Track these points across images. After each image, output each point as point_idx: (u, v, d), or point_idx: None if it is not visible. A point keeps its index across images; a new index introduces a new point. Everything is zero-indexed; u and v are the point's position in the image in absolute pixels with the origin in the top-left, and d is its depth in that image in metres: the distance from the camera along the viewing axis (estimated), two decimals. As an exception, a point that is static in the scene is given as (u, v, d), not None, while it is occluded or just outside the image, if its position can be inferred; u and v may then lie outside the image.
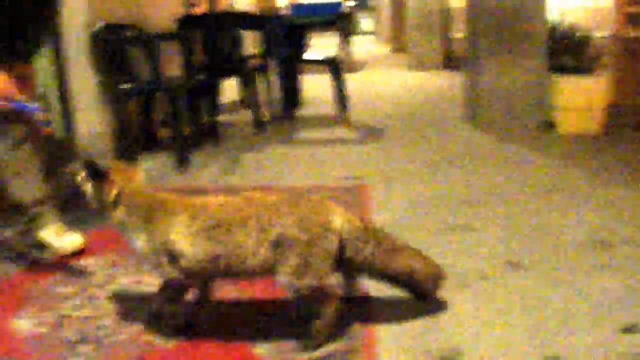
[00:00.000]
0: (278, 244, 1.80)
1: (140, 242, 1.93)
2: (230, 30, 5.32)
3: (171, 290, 1.99)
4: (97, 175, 1.94)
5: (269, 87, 5.52)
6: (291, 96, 5.48)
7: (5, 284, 2.52)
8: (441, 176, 3.60)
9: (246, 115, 5.76)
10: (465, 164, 3.82)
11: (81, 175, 2.00)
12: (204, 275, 1.96)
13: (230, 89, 6.09)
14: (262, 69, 5.31)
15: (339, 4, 11.19)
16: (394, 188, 3.40)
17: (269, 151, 4.46)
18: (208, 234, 1.83)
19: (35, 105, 2.47)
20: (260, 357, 1.83)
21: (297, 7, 10.67)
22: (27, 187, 2.81)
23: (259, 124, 4.99)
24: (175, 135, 4.19)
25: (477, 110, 4.69)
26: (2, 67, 2.54)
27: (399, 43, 11.86)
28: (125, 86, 4.27)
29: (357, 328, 1.95)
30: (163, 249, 1.88)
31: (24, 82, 2.70)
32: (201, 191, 3.50)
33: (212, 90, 4.77)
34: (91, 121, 4.41)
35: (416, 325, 1.96)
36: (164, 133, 4.71)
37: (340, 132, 4.99)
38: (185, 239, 1.84)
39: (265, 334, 1.93)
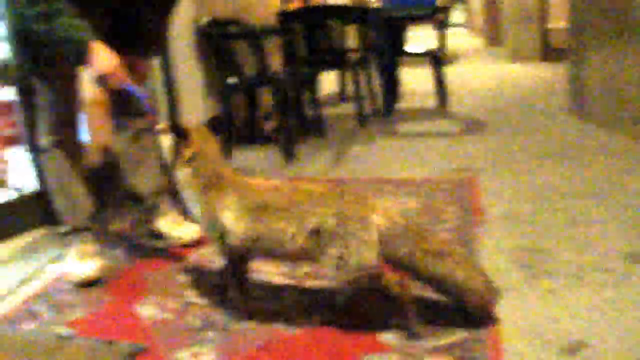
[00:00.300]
0: (316, 234, 1.85)
1: (196, 210, 2.09)
2: (330, 24, 5.36)
3: (230, 265, 2.13)
4: (180, 133, 2.09)
5: (370, 80, 5.53)
6: (391, 89, 5.47)
7: (127, 272, 2.61)
8: (552, 168, 3.50)
9: (346, 108, 5.80)
10: (575, 156, 3.70)
11: (165, 131, 2.16)
12: (248, 252, 2.05)
13: (327, 81, 6.15)
14: (363, 62, 5.32)
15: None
16: (503, 180, 3.34)
17: (373, 144, 4.47)
18: (253, 215, 1.93)
19: (145, 92, 2.56)
20: (388, 345, 1.84)
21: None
22: (146, 177, 2.92)
23: (361, 117, 5.00)
24: (282, 128, 4.25)
25: (583, 102, 4.56)
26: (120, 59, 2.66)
27: (492, 35, 11.66)
28: (231, 80, 4.36)
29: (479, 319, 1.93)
30: (213, 222, 2.02)
31: (140, 77, 2.81)
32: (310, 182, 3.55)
33: (313, 84, 4.81)
34: (197, 114, 4.54)
35: (537, 317, 1.94)
36: (267, 126, 4.79)
37: (442, 124, 4.94)
38: (232, 216, 1.96)
39: (385, 321, 1.95)
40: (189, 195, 2.10)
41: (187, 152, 2.07)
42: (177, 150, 2.10)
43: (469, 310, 1.92)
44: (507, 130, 4.51)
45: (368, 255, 1.81)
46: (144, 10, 2.61)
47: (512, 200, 3.02)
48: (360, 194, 1.93)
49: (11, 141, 3.77)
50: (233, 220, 1.95)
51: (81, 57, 2.26)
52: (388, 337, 1.87)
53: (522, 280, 2.20)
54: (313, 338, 1.93)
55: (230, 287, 2.17)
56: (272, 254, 1.99)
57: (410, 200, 3.11)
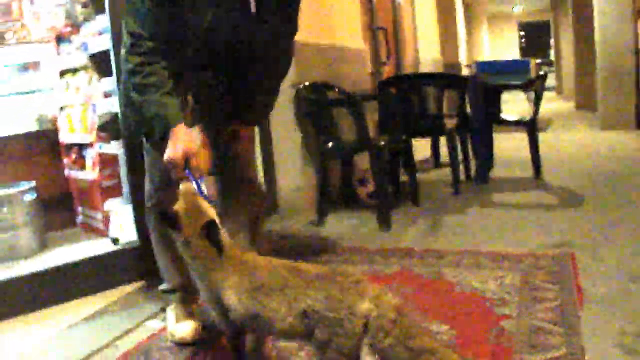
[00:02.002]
0: (305, 316, 1.84)
1: (202, 287, 2.12)
2: (428, 91, 5.40)
3: (231, 337, 2.14)
4: (170, 219, 2.10)
5: (464, 146, 5.53)
6: (486, 156, 5.44)
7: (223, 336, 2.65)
8: None
9: (439, 174, 5.79)
10: None
11: (177, 204, 2.11)
12: (247, 327, 2.07)
13: (420, 146, 6.16)
14: (458, 129, 5.32)
15: (527, 62, 10.99)
16: (604, 257, 3.21)
17: (467, 213, 4.41)
18: (251, 294, 1.95)
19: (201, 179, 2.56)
20: None
21: (484, 64, 10.60)
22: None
23: (456, 185, 4.98)
24: (379, 195, 4.25)
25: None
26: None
27: (583, 99, 11.45)
28: (329, 145, 4.42)
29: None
30: (215, 299, 2.05)
31: (245, 143, 2.83)
32: (407, 254, 3.55)
33: (408, 150, 4.83)
34: (292, 177, 4.62)
35: None
36: (362, 192, 4.83)
37: (538, 195, 4.84)
38: (233, 296, 1.99)
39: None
40: (196, 273, 2.13)
41: (181, 237, 2.09)
42: (190, 224, 2.08)
43: None
44: (603, 203, 4.37)
45: (348, 345, 1.79)
46: (255, 81, 2.67)
47: (614, 280, 2.89)
48: (354, 277, 1.88)
49: (113, 193, 3.92)
50: (234, 299, 1.99)
51: (164, 135, 2.31)
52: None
53: (628, 368, 2.13)
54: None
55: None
56: (268, 330, 2.01)
57: (508, 276, 3.05)
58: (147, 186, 2.68)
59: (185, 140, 2.28)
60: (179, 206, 2.10)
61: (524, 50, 27.62)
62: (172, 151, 2.27)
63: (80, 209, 4.29)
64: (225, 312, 2.03)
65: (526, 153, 5.47)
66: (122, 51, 2.42)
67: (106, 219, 3.82)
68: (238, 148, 2.78)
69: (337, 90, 4.72)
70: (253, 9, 2.42)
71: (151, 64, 2.31)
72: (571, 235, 3.68)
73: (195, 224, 2.07)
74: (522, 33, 27.91)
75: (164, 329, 2.70)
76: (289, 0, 2.59)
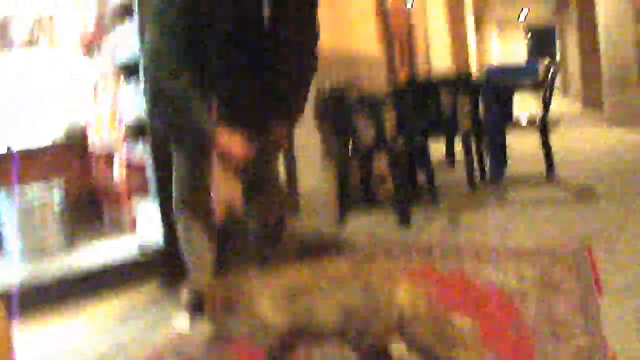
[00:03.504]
0: (347, 311, 1.76)
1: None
2: (442, 94, 5.33)
3: None
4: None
5: (479, 146, 5.45)
6: (500, 155, 5.36)
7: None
8: None
9: (455, 174, 5.72)
10: None
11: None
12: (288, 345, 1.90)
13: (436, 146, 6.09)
14: (472, 130, 5.26)
15: (536, 63, 10.87)
16: (621, 250, 3.13)
17: (484, 211, 4.33)
18: (286, 302, 1.82)
19: None
20: None
21: (495, 69, 10.50)
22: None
23: (471, 184, 4.91)
24: (398, 193, 4.20)
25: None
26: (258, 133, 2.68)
27: (590, 98, 11.32)
28: (348, 145, 4.38)
29: None
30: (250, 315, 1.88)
31: (278, 145, 2.84)
32: (426, 250, 3.52)
33: (425, 150, 4.78)
34: (313, 178, 4.58)
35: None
36: (380, 191, 4.77)
37: (552, 191, 4.76)
38: (266, 306, 1.84)
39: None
40: None
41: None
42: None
43: None
44: (617, 198, 4.28)
45: (382, 334, 1.75)
46: (287, 81, 2.62)
47: (631, 273, 2.81)
48: (388, 267, 1.88)
49: (141, 194, 3.90)
50: (269, 309, 1.84)
51: (205, 142, 2.32)
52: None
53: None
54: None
55: None
56: (309, 339, 1.91)
57: (527, 270, 2.98)
58: (175, 194, 2.66)
59: (233, 138, 2.31)
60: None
61: (531, 54, 27.43)
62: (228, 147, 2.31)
63: (107, 208, 4.29)
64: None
65: (538, 151, 5.38)
66: (150, 62, 2.36)
67: (133, 221, 3.81)
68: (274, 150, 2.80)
69: (355, 93, 4.69)
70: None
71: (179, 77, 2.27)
72: (587, 229, 3.60)
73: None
74: (529, 38, 27.73)
75: (188, 330, 2.65)
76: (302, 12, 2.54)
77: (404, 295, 1.74)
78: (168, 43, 2.27)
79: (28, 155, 4.19)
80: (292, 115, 2.74)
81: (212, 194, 2.69)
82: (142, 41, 3.21)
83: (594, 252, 3.13)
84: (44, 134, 4.37)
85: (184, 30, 2.27)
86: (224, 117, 2.41)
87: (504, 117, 5.37)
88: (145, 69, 2.65)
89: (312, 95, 4.28)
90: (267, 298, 1.86)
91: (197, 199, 2.62)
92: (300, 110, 2.76)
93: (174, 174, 2.65)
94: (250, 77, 2.52)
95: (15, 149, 4.17)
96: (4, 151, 4.15)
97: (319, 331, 1.81)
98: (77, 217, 4.11)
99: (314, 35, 2.66)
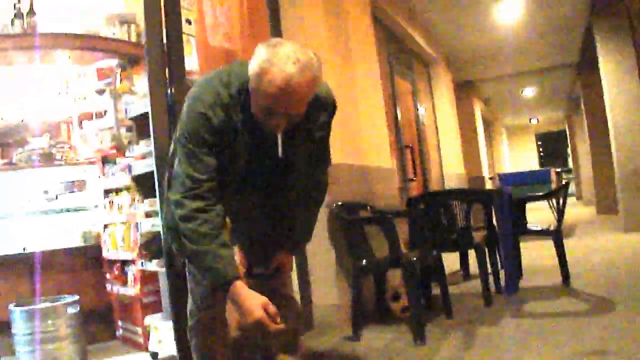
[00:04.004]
0: None
1: None
2: (455, 206, 5.40)
3: None
4: None
5: (493, 258, 5.45)
6: (514, 267, 5.36)
7: None
8: None
9: (469, 286, 5.69)
10: None
11: None
12: None
13: (449, 258, 6.08)
14: (487, 241, 5.28)
15: (548, 171, 11.00)
16: (641, 366, 3.09)
17: (500, 324, 4.28)
18: None
19: None
20: None
21: (507, 176, 10.62)
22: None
23: (486, 296, 4.89)
24: (413, 309, 4.17)
25: None
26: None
27: (604, 204, 11.35)
28: (362, 261, 4.40)
29: None
30: None
31: (283, 273, 2.88)
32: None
33: (439, 263, 4.79)
34: (328, 295, 4.57)
35: None
36: (396, 307, 4.75)
37: (568, 303, 4.70)
38: None
39: None
40: None
41: None
42: None
43: None
44: (635, 307, 4.22)
45: None
46: (295, 213, 2.74)
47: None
48: None
49: (153, 308, 3.92)
50: None
51: (222, 288, 2.31)
52: None
53: None
54: None
55: None
56: None
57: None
58: (190, 305, 2.68)
59: (253, 297, 2.26)
60: None
61: (542, 159, 27.69)
62: (251, 313, 2.23)
63: (120, 322, 4.31)
64: None
65: (553, 260, 5.37)
66: (176, 195, 2.36)
67: (146, 334, 3.82)
68: (282, 277, 2.84)
69: (368, 208, 4.77)
70: (280, 153, 2.47)
71: (207, 211, 2.29)
72: (605, 342, 3.55)
73: None
74: (540, 143, 28.05)
75: None
76: (317, 145, 2.65)
77: None
78: (200, 179, 2.32)
79: (45, 256, 4.26)
80: (299, 246, 2.88)
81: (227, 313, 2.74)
82: (157, 157, 3.33)
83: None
84: (60, 240, 4.45)
85: (208, 166, 2.35)
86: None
87: (517, 226, 5.40)
88: (161, 185, 2.76)
89: (326, 211, 4.38)
90: None
91: (211, 316, 2.64)
92: (308, 239, 2.87)
93: (189, 289, 2.68)
94: (262, 215, 2.64)
95: (30, 249, 4.25)
96: (20, 251, 4.23)
97: None
98: (91, 332, 4.12)
99: (324, 164, 2.78)
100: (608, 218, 10.34)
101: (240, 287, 2.27)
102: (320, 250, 4.52)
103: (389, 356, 3.80)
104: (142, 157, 3.90)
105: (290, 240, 2.78)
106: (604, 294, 4.78)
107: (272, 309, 2.26)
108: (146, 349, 3.75)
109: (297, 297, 4.23)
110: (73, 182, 4.69)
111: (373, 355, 3.86)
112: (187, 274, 2.68)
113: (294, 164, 2.57)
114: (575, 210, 13.59)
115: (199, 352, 2.68)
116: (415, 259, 4.20)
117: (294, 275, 4.20)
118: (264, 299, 2.28)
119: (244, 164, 2.46)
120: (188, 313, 2.70)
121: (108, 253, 4.39)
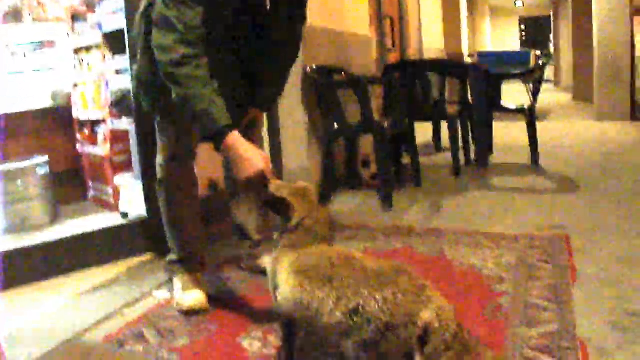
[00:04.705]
0: (355, 314, 1.60)
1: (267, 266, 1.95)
2: (431, 77, 5.38)
3: (281, 329, 1.97)
4: (280, 208, 1.92)
5: (465, 132, 5.50)
6: (486, 142, 5.43)
7: (231, 305, 2.61)
8: None
9: (441, 158, 5.77)
10: None
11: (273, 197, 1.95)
12: (295, 319, 1.86)
13: (423, 131, 6.13)
14: (460, 115, 5.31)
15: (528, 53, 10.92)
16: (597, 240, 3.19)
17: (467, 195, 4.39)
18: (298, 278, 1.76)
19: None
20: None
21: (486, 54, 10.55)
22: (255, 217, 3.00)
23: (456, 168, 4.97)
24: (381, 175, 4.25)
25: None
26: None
27: (581, 91, 11.39)
28: (334, 126, 4.40)
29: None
30: (272, 280, 1.89)
31: (254, 128, 2.88)
32: (408, 232, 3.54)
33: (411, 133, 4.82)
34: (298, 157, 4.60)
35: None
36: (365, 173, 4.82)
37: (535, 180, 4.81)
38: (283, 274, 1.82)
39: None
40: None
41: (295, 218, 1.91)
42: (286, 215, 1.92)
43: None
44: (599, 190, 4.34)
45: (395, 352, 1.56)
46: (269, 69, 2.71)
47: (606, 262, 2.88)
48: (418, 281, 1.65)
49: (124, 168, 3.92)
50: (284, 279, 1.82)
51: (215, 141, 2.21)
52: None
53: (619, 344, 2.10)
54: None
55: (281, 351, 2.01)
56: (310, 324, 1.76)
57: (505, 255, 3.04)
58: (159, 159, 2.66)
59: (255, 148, 2.20)
60: (288, 193, 1.93)
61: (524, 44, 27.49)
62: (257, 164, 2.14)
63: (91, 183, 4.29)
64: (276, 294, 1.87)
65: (524, 141, 5.44)
66: (167, 39, 2.22)
67: (116, 194, 3.82)
68: (254, 133, 2.82)
69: (343, 73, 4.70)
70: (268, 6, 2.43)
71: (199, 57, 2.20)
72: (567, 218, 3.66)
73: (311, 212, 1.92)
74: (523, 27, 27.75)
75: (170, 298, 2.69)
76: None
77: (433, 316, 1.56)
78: (192, 26, 2.23)
79: (13, 118, 4.18)
80: (273, 97, 2.89)
81: (195, 168, 2.76)
82: (128, 13, 3.22)
83: (572, 242, 3.20)
84: (28, 101, 4.35)
85: (198, 16, 2.25)
86: None
87: (492, 103, 5.42)
88: (131, 41, 2.68)
89: (299, 75, 4.32)
90: (284, 271, 1.83)
91: (181, 170, 2.64)
92: (280, 92, 2.88)
93: (159, 143, 2.65)
94: (237, 58, 2.60)
95: (-1, 112, 4.17)
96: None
97: (324, 323, 1.68)
98: (61, 192, 4.12)
99: (302, 17, 2.73)
100: (583, 105, 10.40)
101: (239, 137, 2.18)
102: (293, 114, 4.50)
103: (355, 219, 3.89)
104: (112, 13, 3.76)
105: (261, 96, 2.77)
106: (571, 175, 4.88)
107: (270, 172, 2.17)
108: (117, 209, 3.76)
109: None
110: (42, 40, 4.52)
111: (340, 217, 3.94)
112: (155, 128, 2.66)
113: (277, 20, 2.53)
114: (552, 96, 13.63)
115: (166, 207, 2.70)
116: (386, 125, 4.21)
117: (265, 138, 4.21)
118: (264, 152, 2.23)
119: (228, 19, 2.40)
120: (157, 167, 2.68)
121: (78, 113, 4.31)
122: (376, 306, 1.57)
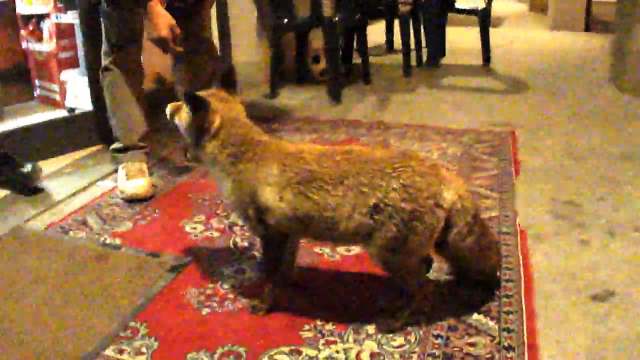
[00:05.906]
0: (377, 211, 1.47)
1: (227, 187, 1.65)
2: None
3: (269, 249, 1.72)
4: (198, 105, 1.62)
5: (418, 32, 5.44)
6: (438, 42, 5.39)
7: (175, 192, 2.62)
8: (588, 130, 3.39)
9: (393, 58, 5.71)
10: (613, 120, 3.58)
11: (179, 108, 1.71)
12: (291, 234, 1.67)
13: (375, 31, 6.06)
14: (413, 14, 5.23)
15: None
16: (542, 137, 3.26)
17: (416, 93, 4.37)
18: (298, 189, 1.53)
19: None
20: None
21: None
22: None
23: (407, 67, 4.94)
24: (330, 70, 4.18)
25: (624, 73, 4.44)
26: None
27: (537, 1, 11.38)
28: (283, 19, 4.31)
29: (515, 260, 1.94)
30: (249, 201, 1.60)
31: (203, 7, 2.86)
32: (355, 125, 3.55)
33: (362, 31, 4.74)
34: (248, 51, 4.53)
35: (569, 265, 1.95)
36: (314, 68, 4.76)
37: (485, 81, 4.80)
38: (272, 192, 1.56)
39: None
40: (216, 172, 1.67)
41: (212, 124, 1.62)
42: (198, 125, 1.64)
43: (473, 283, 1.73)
44: (547, 92, 4.36)
45: (425, 243, 1.50)
46: None
47: (549, 156, 2.96)
48: (429, 162, 1.55)
49: (70, 64, 3.80)
50: (275, 196, 1.55)
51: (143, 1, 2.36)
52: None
53: (556, 230, 2.19)
54: (353, 263, 1.93)
55: (267, 274, 1.78)
56: (321, 234, 1.60)
57: (450, 147, 3.07)
58: (104, 47, 2.66)
59: (165, 16, 2.39)
60: (208, 94, 1.68)
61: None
62: (159, 30, 2.39)
63: (37, 81, 4.14)
64: (262, 215, 1.60)
65: (477, 45, 5.42)
66: None
67: (63, 91, 3.72)
68: (204, 7, 2.85)
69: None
70: None
71: None
72: (515, 117, 3.70)
73: (228, 110, 1.66)
74: None
75: (115, 187, 2.66)
76: None
77: (455, 196, 1.50)
78: None
79: None
80: None
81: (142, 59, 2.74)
82: None
83: (518, 137, 3.25)
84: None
85: None
86: None
87: (446, 3, 5.35)
88: None
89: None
90: (270, 184, 1.58)
91: (127, 57, 2.65)
92: None
93: (104, 31, 2.64)
94: None
95: None
96: None
97: (342, 230, 1.53)
98: (8, 93, 3.97)
99: None
100: (538, 16, 10.38)
101: (156, 5, 2.38)
102: (242, 7, 4.39)
103: (304, 112, 3.87)
104: None
105: None
106: (521, 77, 4.89)
107: (177, 30, 2.41)
108: (63, 106, 3.66)
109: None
110: None
111: (289, 111, 3.91)
112: (101, 15, 2.62)
113: None
114: (507, 5, 13.58)
115: (110, 92, 2.70)
116: (337, 19, 4.13)
117: (214, 28, 4.11)
118: (172, 21, 2.38)
119: None
120: (102, 55, 2.67)
121: (22, 8, 4.10)
122: (397, 196, 1.45)
